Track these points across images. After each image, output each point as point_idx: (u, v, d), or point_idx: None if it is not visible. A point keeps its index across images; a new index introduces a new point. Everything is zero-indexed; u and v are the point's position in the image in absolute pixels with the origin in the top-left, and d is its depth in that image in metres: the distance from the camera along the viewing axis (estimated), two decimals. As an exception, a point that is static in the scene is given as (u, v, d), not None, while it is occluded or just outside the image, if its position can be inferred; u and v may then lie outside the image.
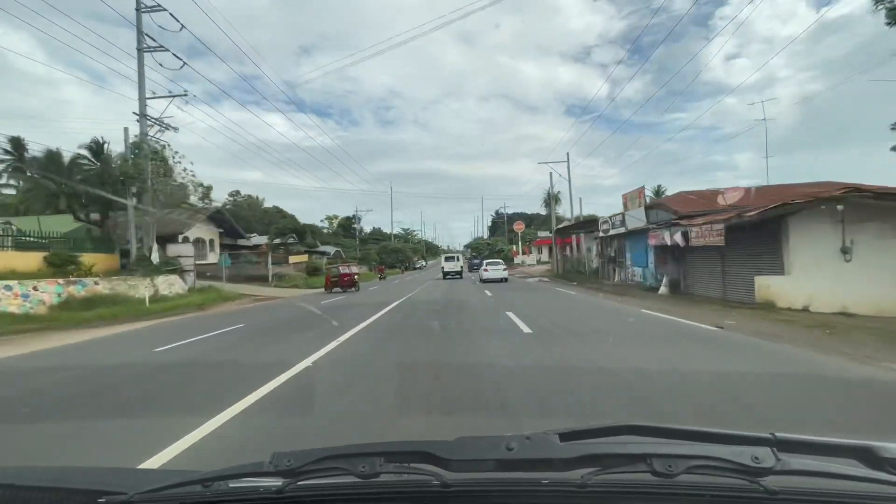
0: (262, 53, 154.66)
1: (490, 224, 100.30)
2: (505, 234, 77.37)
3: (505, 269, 27.39)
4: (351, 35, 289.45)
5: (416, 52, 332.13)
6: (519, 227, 62.26)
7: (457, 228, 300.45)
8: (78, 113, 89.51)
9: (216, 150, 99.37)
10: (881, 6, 10.12)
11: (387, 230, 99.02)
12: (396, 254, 66.20)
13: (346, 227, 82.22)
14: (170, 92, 19.56)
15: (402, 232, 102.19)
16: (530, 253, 59.23)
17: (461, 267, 34.84)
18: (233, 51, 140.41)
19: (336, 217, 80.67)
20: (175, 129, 19.83)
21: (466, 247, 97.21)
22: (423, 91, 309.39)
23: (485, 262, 30.23)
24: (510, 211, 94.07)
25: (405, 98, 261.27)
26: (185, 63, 19.34)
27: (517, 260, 59.08)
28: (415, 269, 72.06)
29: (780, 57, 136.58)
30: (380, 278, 37.56)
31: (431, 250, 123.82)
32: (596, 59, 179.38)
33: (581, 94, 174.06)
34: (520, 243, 62.01)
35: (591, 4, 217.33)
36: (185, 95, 19.96)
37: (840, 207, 10.25)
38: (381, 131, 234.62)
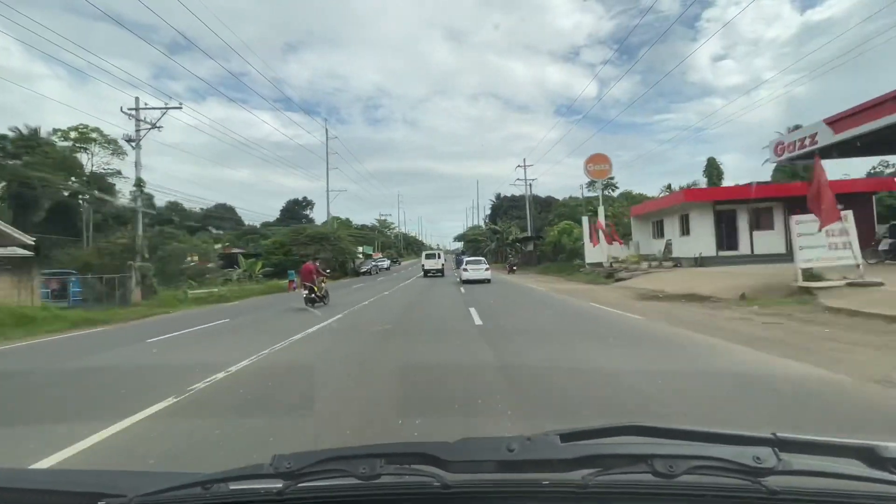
0: (247, 50, 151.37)
1: (489, 212, 76.77)
2: (529, 218, 47.24)
3: (487, 269, 24.90)
4: (338, 31, 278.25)
5: (404, 50, 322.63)
6: (599, 168, 28.26)
7: (447, 227, 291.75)
8: (54, 108, 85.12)
9: (200, 148, 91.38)
10: None
11: (365, 222, 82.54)
12: (319, 245, 35.27)
13: (293, 212, 65.07)
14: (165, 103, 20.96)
15: (377, 223, 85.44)
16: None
17: (442, 265, 34.13)
18: (218, 47, 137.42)
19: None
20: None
21: (459, 238, 75.38)
22: (412, 89, 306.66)
23: (465, 260, 28.46)
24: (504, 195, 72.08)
25: (394, 96, 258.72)
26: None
27: (604, 255, 25.20)
28: (360, 273, 41.07)
29: (764, 59, 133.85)
30: (311, 297, 14.22)
31: (413, 246, 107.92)
32: (585, 59, 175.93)
33: (570, 94, 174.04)
34: (601, 213, 27.51)
35: (579, 4, 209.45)
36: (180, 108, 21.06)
37: None
38: (370, 130, 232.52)
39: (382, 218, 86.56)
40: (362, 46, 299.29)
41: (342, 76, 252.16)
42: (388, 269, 50.89)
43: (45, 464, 3.22)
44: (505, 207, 66.09)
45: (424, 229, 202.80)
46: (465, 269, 24.72)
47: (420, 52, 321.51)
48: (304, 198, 70.55)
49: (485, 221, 74.44)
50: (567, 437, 0.84)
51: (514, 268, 33.37)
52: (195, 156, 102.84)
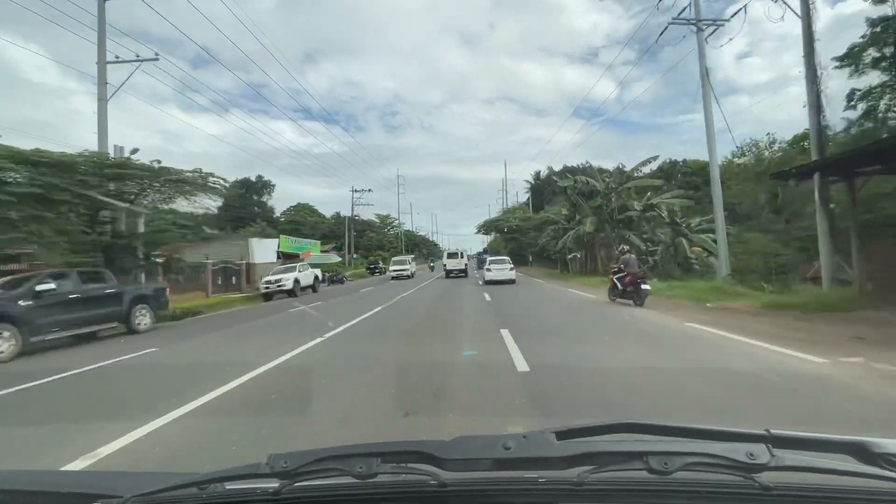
0: (266, 60, 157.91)
1: (530, 189, 56.49)
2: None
3: (512, 269, 23.73)
4: (356, 40, 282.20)
5: (419, 56, 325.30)
6: None
7: (467, 232, 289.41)
8: (86, 122, 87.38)
9: (224, 158, 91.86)
10: None
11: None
12: None
13: (241, 199, 49.85)
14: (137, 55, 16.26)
15: (376, 219, 70.32)
16: None
17: (465, 265, 33.99)
18: (239, 59, 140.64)
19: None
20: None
21: (485, 229, 53.48)
22: (428, 95, 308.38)
23: (488, 259, 27.40)
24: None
25: (410, 103, 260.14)
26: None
27: None
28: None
29: (794, 55, 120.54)
30: None
31: (422, 248, 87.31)
32: (603, 60, 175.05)
33: (588, 96, 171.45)
34: None
35: (596, 3, 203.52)
36: (157, 59, 16.55)
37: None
38: (387, 137, 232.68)
39: (358, 194, 53.65)
40: (378, 54, 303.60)
41: (359, 84, 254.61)
42: (289, 292, 21.26)
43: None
44: (550, 192, 43.29)
45: (443, 233, 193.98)
46: (489, 270, 23.75)
47: (435, 58, 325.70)
48: (260, 177, 54.41)
49: (526, 204, 54.84)
50: (563, 434, 0.84)
51: (645, 287, 11.54)
52: (217, 163, 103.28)
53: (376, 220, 70.08)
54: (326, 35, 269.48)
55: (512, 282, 23.26)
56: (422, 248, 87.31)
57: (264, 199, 54.80)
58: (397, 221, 73.89)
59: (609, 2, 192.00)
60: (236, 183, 50.21)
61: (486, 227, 51.08)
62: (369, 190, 43.74)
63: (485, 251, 53.03)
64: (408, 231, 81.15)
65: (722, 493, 0.79)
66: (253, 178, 55.95)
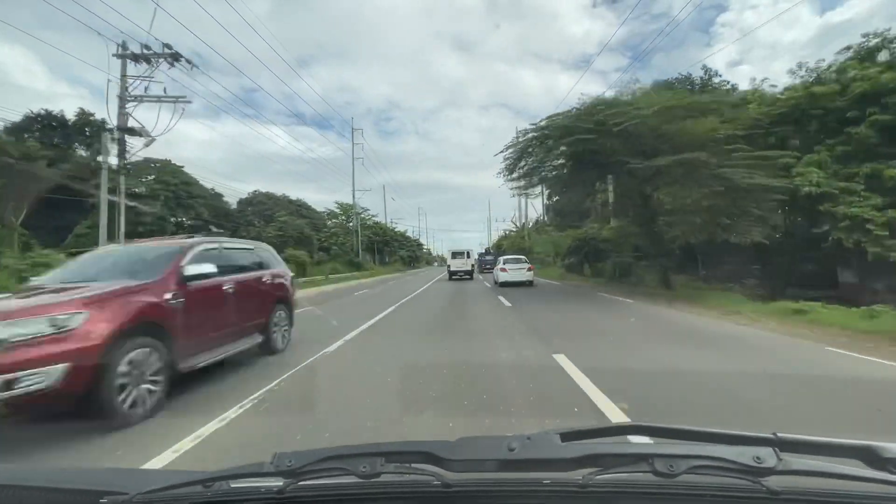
0: (259, 65, 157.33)
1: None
2: None
3: (530, 270, 20.84)
4: (349, 44, 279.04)
5: (414, 62, 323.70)
6: None
7: (462, 239, 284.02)
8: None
9: (217, 163, 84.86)
10: None
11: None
12: None
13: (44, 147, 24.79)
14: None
15: (337, 208, 52.45)
16: None
17: (472, 265, 31.89)
18: (232, 65, 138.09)
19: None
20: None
21: (517, 162, 16.57)
22: (423, 101, 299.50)
23: (502, 259, 23.53)
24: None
25: (405, 109, 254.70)
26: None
27: None
28: None
29: (783, 62, 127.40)
30: None
31: (404, 249, 67.90)
32: (596, 66, 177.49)
33: (582, 100, 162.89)
34: None
35: (589, 11, 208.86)
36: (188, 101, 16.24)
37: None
38: (382, 142, 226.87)
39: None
40: (373, 60, 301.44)
41: (354, 89, 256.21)
42: None
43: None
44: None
45: (434, 233, 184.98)
46: (504, 270, 20.58)
47: (430, 64, 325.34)
48: (83, 111, 30.26)
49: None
50: (567, 436, 0.84)
51: None
52: (211, 168, 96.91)
53: (337, 209, 52.50)
54: (320, 40, 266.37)
55: (530, 283, 20.23)
56: (395, 247, 64.43)
57: (103, 154, 23.16)
58: (364, 211, 53.25)
59: (602, 9, 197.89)
60: (28, 115, 28.77)
61: (533, 140, 15.92)
62: (171, 58, 15.81)
63: (487, 252, 47.50)
64: (378, 223, 59.53)
65: (728, 496, 0.78)
66: (75, 116, 30.59)
